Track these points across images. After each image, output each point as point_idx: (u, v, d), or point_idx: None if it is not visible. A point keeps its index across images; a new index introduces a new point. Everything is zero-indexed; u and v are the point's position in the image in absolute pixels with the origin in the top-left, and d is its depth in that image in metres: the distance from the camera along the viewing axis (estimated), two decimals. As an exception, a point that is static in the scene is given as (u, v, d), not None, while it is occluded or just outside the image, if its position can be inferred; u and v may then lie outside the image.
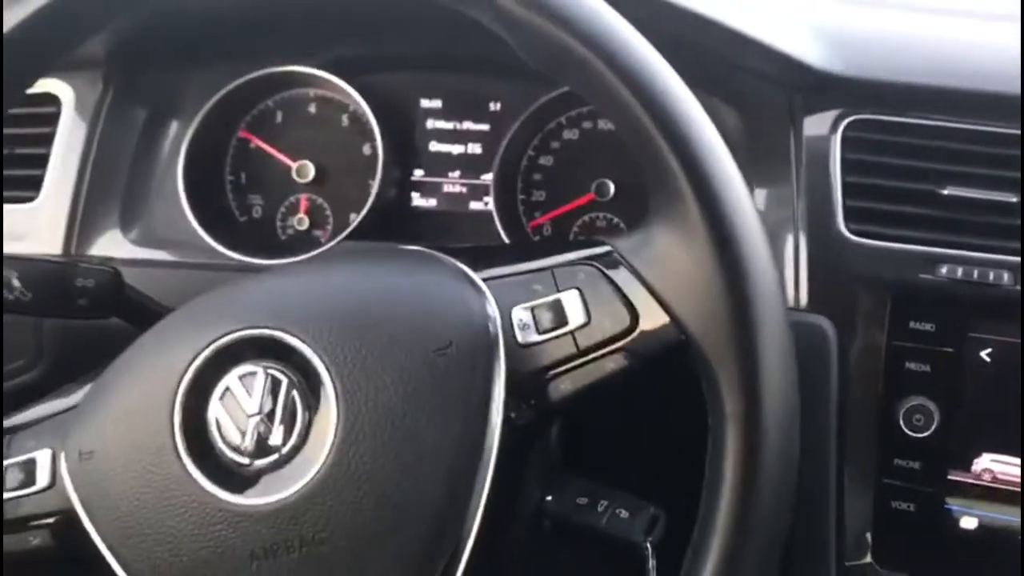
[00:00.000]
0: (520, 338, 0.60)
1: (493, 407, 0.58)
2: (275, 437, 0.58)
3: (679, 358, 0.59)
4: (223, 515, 0.57)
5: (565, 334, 0.60)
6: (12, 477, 0.65)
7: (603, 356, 0.60)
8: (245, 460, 0.58)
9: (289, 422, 0.58)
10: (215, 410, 0.59)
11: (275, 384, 0.59)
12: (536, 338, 0.60)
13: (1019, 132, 0.81)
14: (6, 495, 0.65)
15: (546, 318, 0.60)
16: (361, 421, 0.57)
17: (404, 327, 0.59)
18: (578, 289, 0.61)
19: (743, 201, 0.57)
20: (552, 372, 0.60)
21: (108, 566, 0.60)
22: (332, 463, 0.57)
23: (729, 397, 0.56)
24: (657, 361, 0.60)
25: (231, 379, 0.59)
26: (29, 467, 0.65)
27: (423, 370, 0.57)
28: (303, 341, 0.59)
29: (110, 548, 0.60)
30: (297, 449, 0.58)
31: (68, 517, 0.62)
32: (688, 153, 0.56)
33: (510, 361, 0.59)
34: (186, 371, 0.60)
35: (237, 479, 0.58)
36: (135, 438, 0.60)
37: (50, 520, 0.64)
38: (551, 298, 0.61)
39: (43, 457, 0.64)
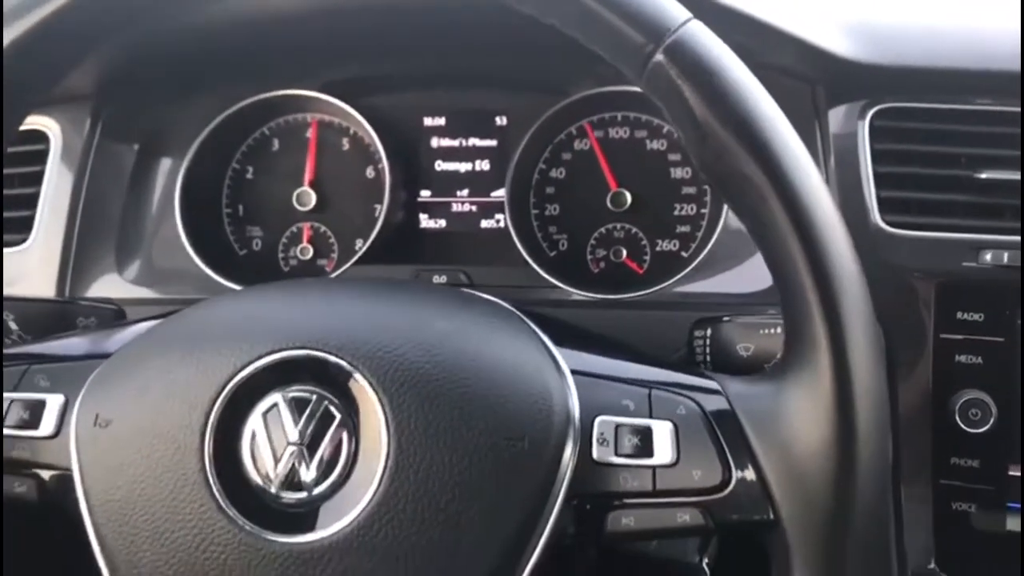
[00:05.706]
0: (596, 454, 0.54)
1: (544, 517, 0.52)
2: (307, 474, 0.52)
3: (759, 535, 0.53)
4: (227, 536, 0.51)
5: (645, 467, 0.53)
6: (14, 414, 0.58)
7: (679, 506, 0.53)
8: (271, 489, 0.52)
9: (327, 466, 0.52)
10: (254, 424, 0.53)
11: (325, 418, 0.53)
12: (613, 459, 0.53)
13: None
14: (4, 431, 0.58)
15: (629, 442, 0.53)
16: (404, 492, 0.50)
17: (481, 404, 0.52)
18: (674, 423, 0.54)
19: (884, 409, 0.52)
20: (619, 502, 0.54)
21: (85, 541, 0.54)
22: (357, 526, 0.50)
23: None
24: (735, 530, 0.54)
25: (279, 398, 0.53)
26: (36, 409, 0.58)
27: (487, 456, 0.51)
28: (371, 384, 0.52)
29: (96, 527, 0.53)
30: (324, 498, 0.52)
31: (61, 477, 0.56)
32: (840, 334, 0.50)
33: (578, 475, 0.53)
34: (235, 375, 0.53)
35: (254, 504, 0.52)
36: (160, 427, 0.53)
37: (43, 473, 0.58)
38: (641, 422, 0.54)
39: (54, 402, 0.58)
